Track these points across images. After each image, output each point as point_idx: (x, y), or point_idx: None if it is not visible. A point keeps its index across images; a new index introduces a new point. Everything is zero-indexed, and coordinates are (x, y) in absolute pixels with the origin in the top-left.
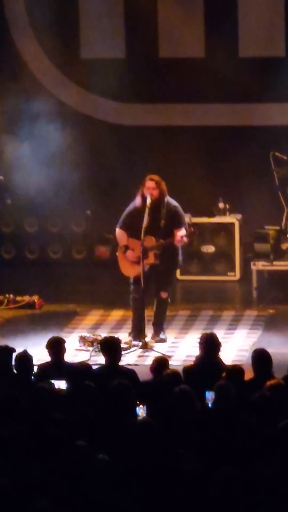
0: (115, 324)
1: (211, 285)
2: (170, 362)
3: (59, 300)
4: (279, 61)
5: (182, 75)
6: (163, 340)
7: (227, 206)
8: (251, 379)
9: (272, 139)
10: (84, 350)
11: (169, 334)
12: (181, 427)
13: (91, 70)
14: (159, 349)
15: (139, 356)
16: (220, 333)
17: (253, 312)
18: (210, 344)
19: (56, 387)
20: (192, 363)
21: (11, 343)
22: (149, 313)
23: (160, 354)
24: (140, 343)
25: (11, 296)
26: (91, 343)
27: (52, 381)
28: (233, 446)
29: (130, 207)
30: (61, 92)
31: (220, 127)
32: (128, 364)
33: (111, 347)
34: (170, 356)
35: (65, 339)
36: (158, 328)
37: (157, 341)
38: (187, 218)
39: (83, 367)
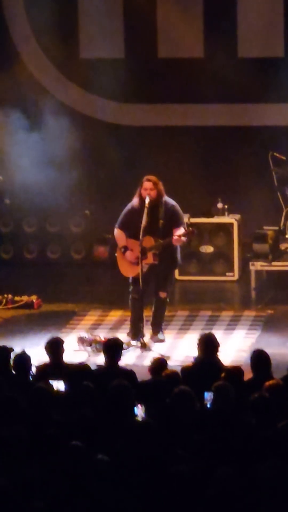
0: (113, 324)
1: (210, 285)
2: (169, 363)
3: (57, 300)
4: (278, 61)
5: (181, 75)
6: (162, 340)
7: (226, 206)
8: (250, 380)
9: (271, 139)
10: (83, 351)
11: (168, 335)
12: (180, 428)
13: (90, 70)
14: (158, 349)
15: (138, 357)
16: (218, 334)
17: (252, 313)
18: (208, 345)
19: (55, 387)
20: (191, 363)
21: (9, 343)
22: (148, 313)
23: (158, 355)
24: (139, 343)
25: (10, 296)
26: (90, 343)
27: (51, 381)
28: (232, 446)
29: (128, 207)
30: (60, 92)
31: (219, 127)
32: (127, 365)
33: (113, 349)
34: (168, 357)
35: (64, 339)
36: (157, 328)
37: (155, 341)
38: (185, 218)
39: (82, 367)
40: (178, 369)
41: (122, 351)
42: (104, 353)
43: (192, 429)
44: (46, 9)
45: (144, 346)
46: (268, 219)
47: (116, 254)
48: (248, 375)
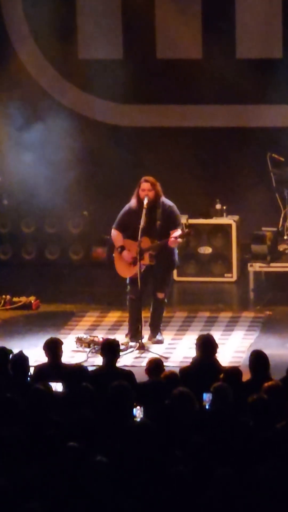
0: (112, 325)
1: (208, 286)
2: (167, 364)
3: (56, 301)
4: (276, 62)
5: (180, 76)
6: (160, 342)
7: (224, 207)
8: (248, 381)
9: (269, 141)
10: (81, 351)
11: (166, 336)
12: (179, 429)
13: (89, 71)
14: (156, 350)
15: (136, 358)
16: (217, 335)
17: (250, 314)
18: (207, 346)
19: (53, 388)
20: (189, 364)
21: (7, 344)
22: (146, 314)
23: (156, 356)
24: (137, 344)
25: (8, 297)
26: (88, 344)
27: (49, 382)
28: (231, 447)
29: (126, 208)
30: (59, 92)
31: (217, 128)
32: (125, 366)
33: (111, 349)
34: (167, 358)
35: (62, 340)
36: (155, 329)
37: (154, 343)
38: (183, 219)
39: (79, 368)
40: (177, 370)
41: (120, 352)
42: (102, 354)
43: (190, 430)
44: (44, 10)
45: (142, 347)
46: (267, 220)
47: (113, 255)
48: (246, 376)
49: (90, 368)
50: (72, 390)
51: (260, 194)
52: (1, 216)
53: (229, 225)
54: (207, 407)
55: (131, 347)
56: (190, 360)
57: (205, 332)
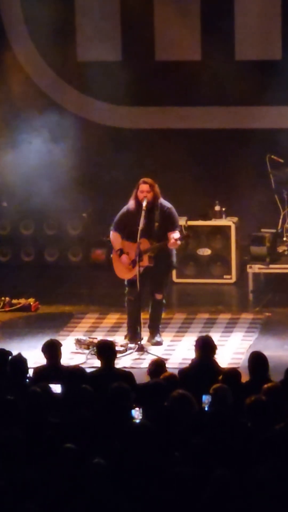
0: (111, 326)
1: (207, 288)
2: (166, 365)
3: (55, 303)
4: (275, 64)
5: (179, 78)
6: (159, 343)
7: (224, 209)
8: (247, 382)
9: (268, 142)
10: (80, 353)
11: (165, 337)
12: (178, 430)
13: (88, 73)
14: (155, 352)
15: (135, 359)
16: (216, 336)
17: (249, 315)
18: (205, 347)
19: (52, 390)
20: (188, 366)
21: (6, 346)
22: (145, 316)
23: (155, 357)
24: (136, 346)
25: (7, 298)
26: (87, 346)
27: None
28: (230, 448)
29: (124, 210)
30: (58, 94)
31: (216, 129)
32: (124, 367)
33: (105, 351)
34: (166, 359)
35: (61, 342)
36: (154, 330)
37: (153, 344)
38: (182, 221)
39: (78, 370)
40: (176, 372)
41: (116, 351)
42: (98, 356)
43: (190, 431)
44: (43, 12)
45: (141, 349)
46: (266, 221)
47: (111, 257)
48: (245, 377)
49: (89, 370)
50: (71, 392)
51: (259, 195)
52: (0, 218)
53: (228, 227)
54: (206, 408)
55: (130, 348)
56: (189, 361)
57: (204, 334)
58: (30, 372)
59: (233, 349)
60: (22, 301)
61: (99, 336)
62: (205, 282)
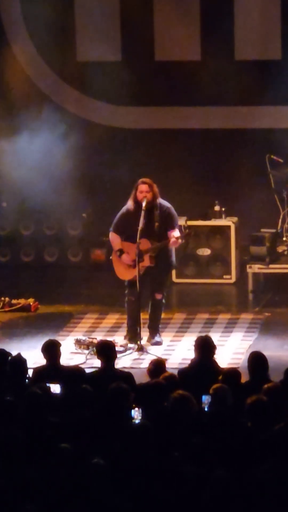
0: (110, 327)
1: (207, 288)
2: (166, 365)
3: (54, 303)
4: (275, 63)
5: (178, 78)
6: (159, 343)
7: (223, 209)
8: (247, 382)
9: (268, 142)
10: (80, 353)
11: (165, 337)
12: (178, 431)
13: (88, 73)
14: (155, 352)
15: (135, 359)
16: (216, 336)
17: (249, 315)
18: (205, 347)
19: (52, 390)
20: (188, 366)
21: (6, 346)
22: (145, 316)
23: (156, 357)
24: (136, 346)
25: (7, 299)
26: (87, 346)
27: (48, 384)
28: (230, 449)
29: (123, 210)
30: (57, 95)
31: (216, 129)
32: (124, 367)
33: (105, 351)
34: (166, 359)
35: (61, 342)
36: (154, 331)
37: (152, 344)
38: (182, 221)
39: (78, 370)
40: (176, 372)
41: (116, 351)
42: (98, 356)
43: (190, 431)
44: (42, 12)
45: (141, 349)
46: (266, 221)
47: (111, 258)
48: (245, 377)
49: (89, 370)
50: (71, 392)
51: (259, 195)
52: (0, 218)
53: (228, 227)
54: (206, 408)
55: (130, 348)
56: (189, 361)
57: (204, 334)
58: (30, 372)
59: (232, 349)
60: (22, 301)
61: (99, 336)
62: (205, 282)
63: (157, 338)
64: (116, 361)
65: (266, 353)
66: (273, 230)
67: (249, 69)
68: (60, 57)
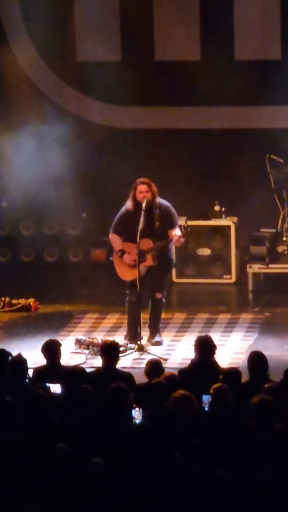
0: (111, 327)
1: (207, 288)
2: (166, 365)
3: (55, 303)
4: (275, 64)
5: (178, 78)
6: (159, 343)
7: (223, 209)
8: (247, 382)
9: (268, 142)
10: (80, 353)
11: (165, 337)
12: (178, 431)
13: (87, 73)
14: (155, 352)
15: (135, 359)
16: (216, 336)
17: (249, 315)
18: (205, 347)
19: (52, 390)
20: (188, 365)
21: (6, 346)
22: (145, 316)
23: (155, 357)
24: (136, 346)
25: (7, 299)
26: (87, 346)
27: (48, 384)
28: (230, 449)
29: (122, 211)
30: (57, 95)
31: (216, 129)
32: (124, 367)
33: (110, 351)
34: (166, 359)
35: (61, 342)
36: (154, 330)
37: (153, 344)
38: (182, 221)
39: (78, 370)
40: (176, 372)
41: (120, 354)
42: (102, 356)
43: (190, 431)
44: (42, 12)
45: (141, 349)
46: (266, 221)
47: (111, 259)
48: (246, 377)
49: (89, 370)
50: (71, 392)
51: (259, 195)
52: (0, 218)
53: (228, 227)
54: (206, 408)
55: (130, 348)
56: (189, 361)
57: (204, 334)
58: (30, 372)
59: (233, 349)
60: (22, 301)
61: (99, 336)
62: (205, 282)
63: (157, 338)
64: (117, 361)
65: (266, 353)
66: (273, 230)
67: (249, 69)
68: (60, 57)
